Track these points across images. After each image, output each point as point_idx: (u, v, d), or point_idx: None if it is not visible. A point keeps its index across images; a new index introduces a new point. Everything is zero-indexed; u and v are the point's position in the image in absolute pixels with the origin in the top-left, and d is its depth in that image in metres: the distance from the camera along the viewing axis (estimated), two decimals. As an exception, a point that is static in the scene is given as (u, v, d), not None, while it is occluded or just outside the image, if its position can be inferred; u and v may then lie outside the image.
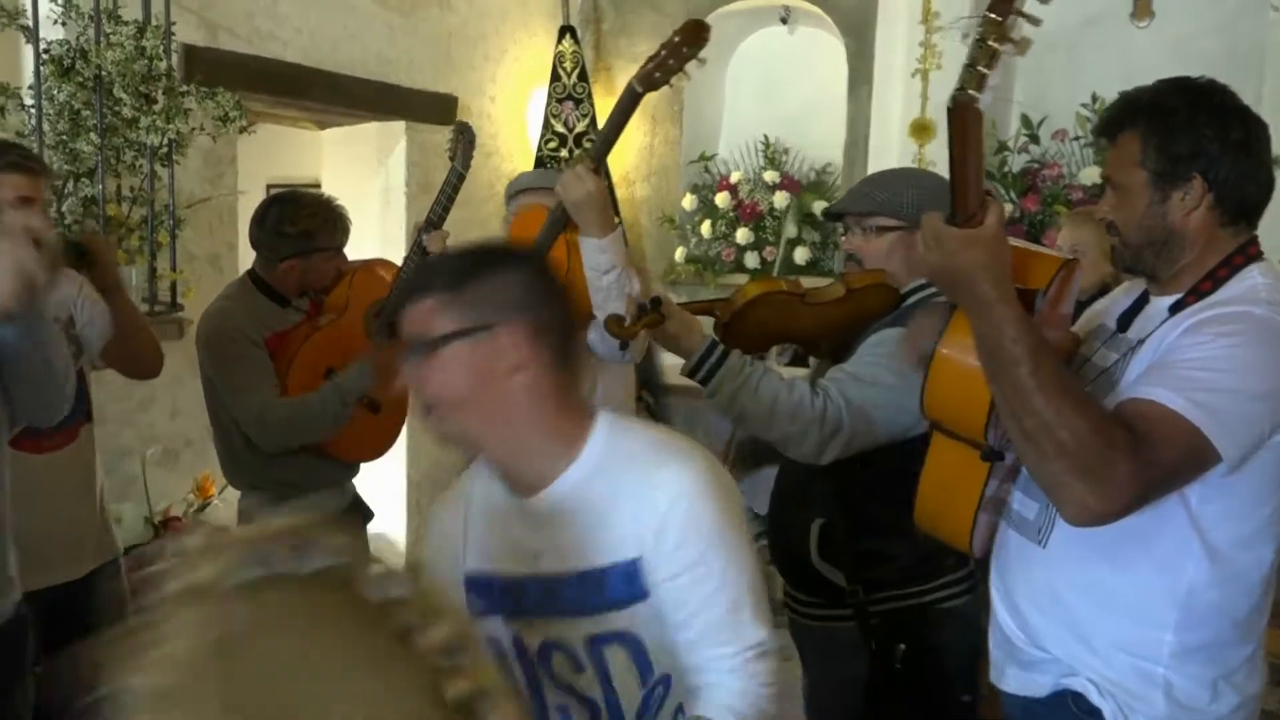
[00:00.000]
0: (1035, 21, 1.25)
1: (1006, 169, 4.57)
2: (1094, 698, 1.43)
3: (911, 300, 1.90)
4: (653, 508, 1.25)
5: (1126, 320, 1.49)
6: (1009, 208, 4.51)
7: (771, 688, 1.28)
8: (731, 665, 1.27)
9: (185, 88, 3.19)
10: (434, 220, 2.67)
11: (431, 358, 1.24)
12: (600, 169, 1.98)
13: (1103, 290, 2.39)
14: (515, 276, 1.28)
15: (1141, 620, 1.39)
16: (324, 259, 2.64)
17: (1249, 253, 1.40)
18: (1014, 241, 1.39)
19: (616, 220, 2.08)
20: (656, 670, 1.32)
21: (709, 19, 5.47)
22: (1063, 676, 1.47)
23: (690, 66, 1.90)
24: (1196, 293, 1.39)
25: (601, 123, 5.37)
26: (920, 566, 1.87)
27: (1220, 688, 1.39)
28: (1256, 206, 1.43)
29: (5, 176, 2.04)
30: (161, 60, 3.14)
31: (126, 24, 3.07)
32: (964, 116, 1.27)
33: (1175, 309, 1.40)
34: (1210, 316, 1.34)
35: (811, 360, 2.24)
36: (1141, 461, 1.23)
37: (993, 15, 1.24)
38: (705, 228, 5.29)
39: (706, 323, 1.88)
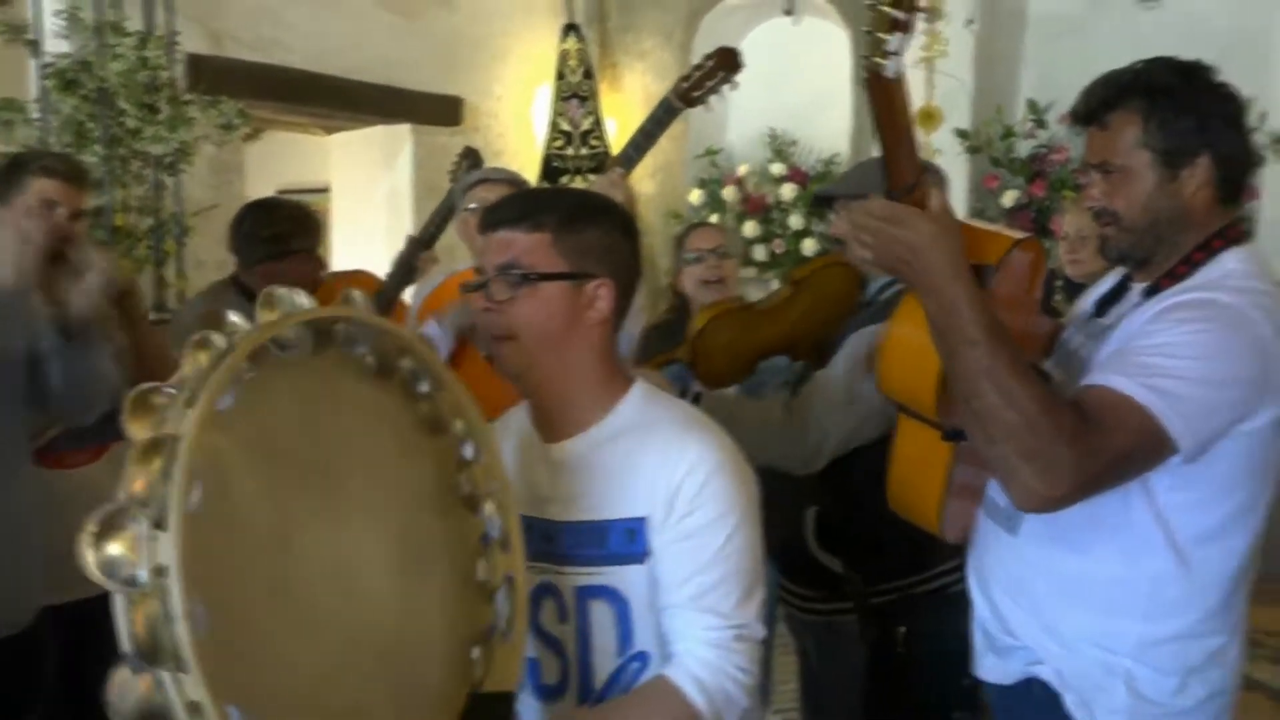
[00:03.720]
0: None
1: (1014, 155, 4.55)
2: (1055, 686, 1.41)
3: (889, 293, 1.85)
4: (670, 473, 1.28)
5: (1105, 305, 1.47)
6: (1016, 194, 4.48)
7: (747, 676, 1.28)
8: (709, 638, 1.27)
9: (188, 97, 3.20)
10: (425, 240, 2.74)
11: (533, 290, 1.28)
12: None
13: (1111, 276, 2.35)
14: (618, 235, 1.35)
15: (1107, 611, 1.37)
16: (297, 262, 2.63)
17: (1229, 235, 1.37)
18: (963, 220, 1.37)
19: None
20: (636, 643, 1.32)
21: (713, 12, 5.53)
22: (1029, 664, 1.45)
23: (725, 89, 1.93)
24: (1172, 276, 1.36)
25: (607, 121, 5.39)
26: (918, 554, 1.85)
27: (1187, 680, 1.36)
28: (1245, 184, 1.40)
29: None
30: (165, 70, 3.15)
31: (129, 35, 3.08)
32: (874, 87, 1.26)
33: (1150, 293, 1.37)
34: (1176, 303, 1.31)
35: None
36: (1087, 447, 1.21)
37: None
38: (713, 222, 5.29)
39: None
